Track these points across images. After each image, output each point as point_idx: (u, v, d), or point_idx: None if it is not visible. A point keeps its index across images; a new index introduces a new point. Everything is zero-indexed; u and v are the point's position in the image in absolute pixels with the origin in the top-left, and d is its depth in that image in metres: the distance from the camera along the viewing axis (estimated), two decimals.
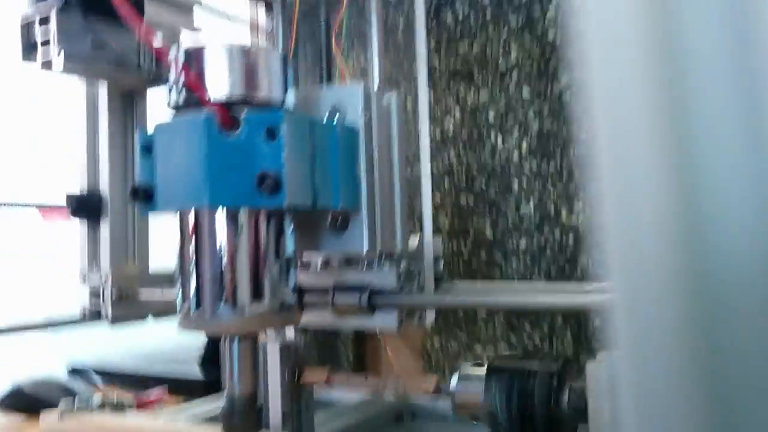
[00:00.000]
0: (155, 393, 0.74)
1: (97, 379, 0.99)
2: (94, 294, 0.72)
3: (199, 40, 0.82)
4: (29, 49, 0.63)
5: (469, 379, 0.56)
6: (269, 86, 0.45)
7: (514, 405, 0.54)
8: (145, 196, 0.46)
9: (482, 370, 0.56)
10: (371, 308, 0.52)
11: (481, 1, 0.84)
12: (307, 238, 0.50)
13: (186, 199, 0.43)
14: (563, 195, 0.78)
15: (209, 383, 0.94)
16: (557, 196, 0.78)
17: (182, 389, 0.95)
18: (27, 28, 0.64)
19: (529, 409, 0.53)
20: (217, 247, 0.44)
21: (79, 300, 0.73)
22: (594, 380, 0.50)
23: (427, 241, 0.56)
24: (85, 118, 0.73)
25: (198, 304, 0.45)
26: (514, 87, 0.81)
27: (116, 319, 0.71)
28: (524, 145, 0.80)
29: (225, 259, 0.44)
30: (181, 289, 0.46)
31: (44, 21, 0.63)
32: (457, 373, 0.57)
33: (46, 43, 0.62)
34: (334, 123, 0.48)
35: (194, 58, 0.44)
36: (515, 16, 0.81)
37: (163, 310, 0.76)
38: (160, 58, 0.44)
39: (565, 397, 0.53)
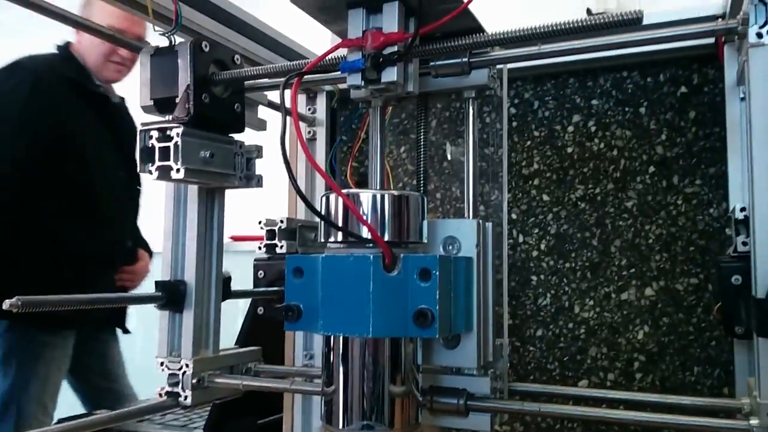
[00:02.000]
0: None
1: None
2: (172, 380, 0.77)
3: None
4: (147, 157, 0.70)
5: None
6: (418, 229, 0.54)
7: None
8: (297, 316, 0.54)
9: None
10: (467, 411, 0.60)
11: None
12: (423, 353, 0.58)
13: (348, 327, 0.51)
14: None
15: None
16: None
17: None
18: (145, 135, 0.71)
19: None
20: (370, 367, 0.52)
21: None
22: None
23: (506, 350, 0.65)
24: (173, 213, 0.79)
25: (350, 419, 0.52)
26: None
27: (192, 404, 0.76)
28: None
29: (378, 378, 0.52)
30: (332, 395, 0.53)
31: (163, 134, 0.70)
32: None
33: (165, 154, 0.69)
34: (455, 255, 0.57)
35: (360, 203, 0.52)
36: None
37: (231, 394, 0.82)
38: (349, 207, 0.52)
39: None
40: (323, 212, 0.54)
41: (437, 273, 0.50)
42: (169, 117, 0.74)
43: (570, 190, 0.90)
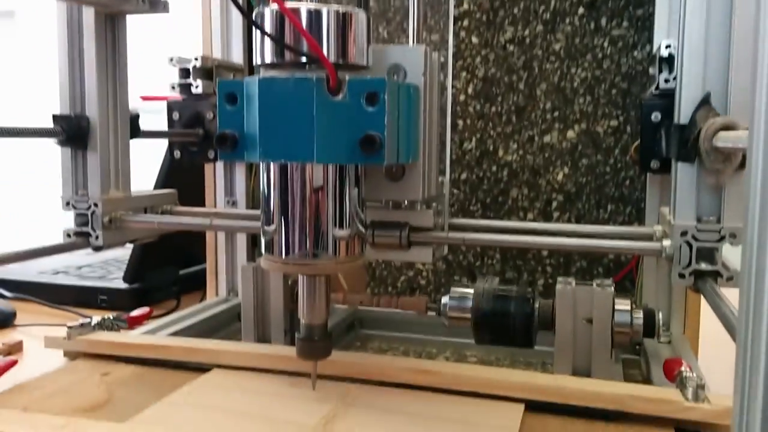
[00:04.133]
0: (141, 310, 0.77)
1: (6, 292, 0.98)
2: (81, 220, 0.72)
3: None
4: None
5: (460, 298, 0.67)
6: (364, 50, 0.50)
7: (497, 319, 0.66)
8: (232, 145, 0.49)
9: (470, 291, 0.67)
10: (409, 245, 0.60)
11: None
12: (367, 187, 0.56)
13: (291, 153, 0.47)
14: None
15: (134, 292, 0.98)
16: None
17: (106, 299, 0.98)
18: None
19: (508, 323, 0.65)
20: (314, 197, 0.49)
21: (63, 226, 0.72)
22: (561, 297, 0.63)
23: (447, 185, 0.64)
24: (67, 41, 0.70)
25: (294, 248, 0.50)
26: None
27: (105, 245, 0.72)
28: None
29: (322, 207, 0.50)
30: (273, 233, 0.51)
31: None
32: (449, 293, 0.67)
33: None
34: (401, 82, 0.54)
35: (299, 20, 0.47)
36: None
37: (147, 235, 0.78)
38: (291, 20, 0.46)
39: (536, 313, 0.66)
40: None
41: (385, 97, 0.47)
42: None
43: (499, 32, 0.87)
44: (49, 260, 1.10)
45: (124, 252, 1.04)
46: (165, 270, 1.01)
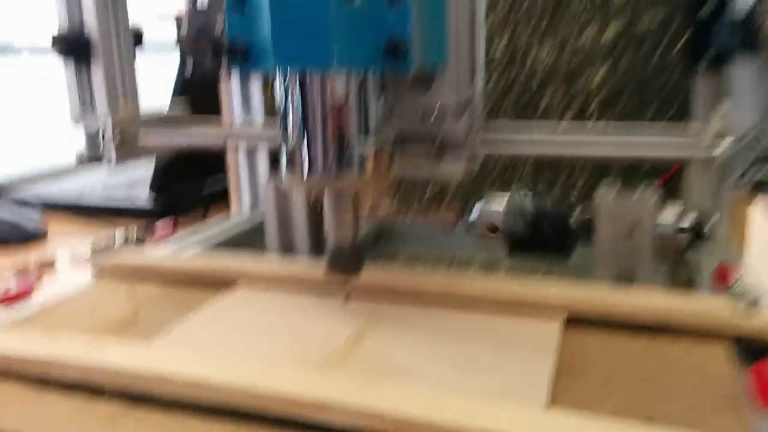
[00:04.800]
0: (167, 225, 0.75)
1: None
2: (91, 138, 0.69)
3: None
4: None
5: (491, 208, 0.64)
6: None
7: (531, 223, 0.63)
8: (243, 55, 0.45)
9: (504, 197, 0.64)
10: (439, 157, 0.56)
11: None
12: (392, 95, 0.52)
13: (308, 59, 0.43)
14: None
15: (159, 209, 0.97)
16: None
17: (133, 217, 0.97)
18: None
19: (543, 227, 0.62)
20: (336, 109, 0.45)
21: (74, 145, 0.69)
22: (601, 203, 0.59)
23: (479, 90, 0.59)
24: None
25: (317, 165, 0.46)
26: None
27: (119, 161, 0.69)
28: None
29: (344, 120, 0.46)
30: (294, 150, 0.47)
31: None
32: (483, 199, 0.64)
33: None
34: None
35: None
36: None
37: (160, 151, 0.75)
38: None
39: (574, 219, 0.63)
40: None
41: None
42: None
43: None
44: (73, 183, 1.09)
45: (148, 172, 1.03)
46: (191, 184, 1.00)
